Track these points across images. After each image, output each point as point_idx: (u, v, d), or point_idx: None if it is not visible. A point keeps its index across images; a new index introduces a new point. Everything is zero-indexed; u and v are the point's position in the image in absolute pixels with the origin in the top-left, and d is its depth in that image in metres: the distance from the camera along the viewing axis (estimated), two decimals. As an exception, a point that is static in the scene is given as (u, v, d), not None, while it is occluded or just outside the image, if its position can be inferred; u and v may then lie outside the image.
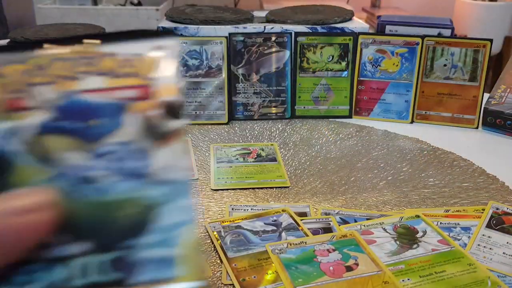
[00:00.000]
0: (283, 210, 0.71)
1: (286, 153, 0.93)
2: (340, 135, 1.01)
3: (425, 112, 1.07)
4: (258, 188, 0.80)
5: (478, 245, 0.64)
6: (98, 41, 0.31)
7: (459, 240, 0.65)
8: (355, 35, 1.07)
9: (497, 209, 0.71)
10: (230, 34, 1.06)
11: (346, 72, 1.09)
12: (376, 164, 0.89)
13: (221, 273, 0.60)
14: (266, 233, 0.66)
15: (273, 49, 1.07)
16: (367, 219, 0.70)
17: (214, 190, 0.79)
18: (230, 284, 0.58)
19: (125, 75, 0.31)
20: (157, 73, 0.31)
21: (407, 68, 1.06)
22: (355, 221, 0.69)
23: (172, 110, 0.31)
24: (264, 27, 1.09)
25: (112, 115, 0.31)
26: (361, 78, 1.09)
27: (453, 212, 0.71)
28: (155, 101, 0.31)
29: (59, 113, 0.30)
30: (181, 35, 1.08)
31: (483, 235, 0.66)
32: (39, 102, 0.30)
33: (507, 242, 0.64)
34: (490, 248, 0.63)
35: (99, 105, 0.31)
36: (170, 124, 0.31)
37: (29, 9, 2.26)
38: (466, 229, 0.67)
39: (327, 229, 0.67)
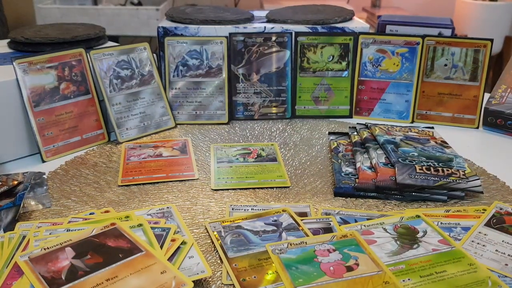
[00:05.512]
0: (283, 210, 0.71)
1: (286, 153, 0.93)
2: (341, 135, 1.00)
3: (426, 112, 1.07)
4: (258, 188, 0.80)
5: (472, 241, 0.64)
6: None
7: (459, 240, 0.65)
8: (355, 35, 1.07)
9: (501, 209, 0.71)
10: (230, 34, 1.06)
11: (346, 72, 1.08)
12: (377, 164, 0.88)
13: (221, 273, 0.60)
14: (266, 233, 0.66)
15: (274, 49, 1.06)
16: (368, 219, 0.70)
17: (214, 190, 0.79)
18: (230, 284, 0.58)
19: None
20: None
21: (407, 68, 1.06)
22: (356, 221, 0.69)
23: None
24: (265, 27, 1.09)
25: None
26: (362, 78, 1.09)
27: (453, 212, 0.71)
28: None
29: None
30: (181, 35, 1.08)
31: (480, 232, 0.66)
32: None
33: (503, 241, 0.64)
34: (484, 245, 0.64)
35: None
36: None
37: (29, 8, 2.26)
38: (467, 229, 0.67)
39: (328, 229, 0.67)
